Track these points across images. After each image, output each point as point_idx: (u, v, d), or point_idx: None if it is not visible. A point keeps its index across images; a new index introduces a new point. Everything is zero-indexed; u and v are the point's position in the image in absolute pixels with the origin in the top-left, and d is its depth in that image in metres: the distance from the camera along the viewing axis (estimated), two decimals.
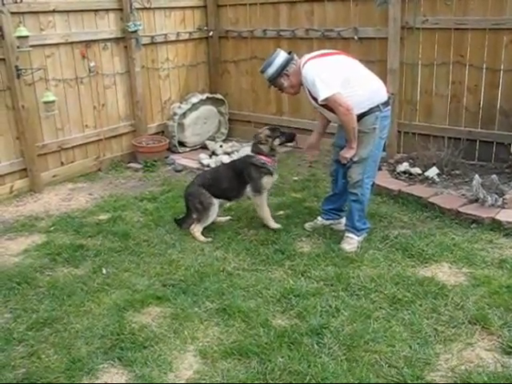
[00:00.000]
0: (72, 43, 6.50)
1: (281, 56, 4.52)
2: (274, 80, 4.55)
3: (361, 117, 4.36)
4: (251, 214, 5.42)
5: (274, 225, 5.03)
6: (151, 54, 7.46)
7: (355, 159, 4.47)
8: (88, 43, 6.65)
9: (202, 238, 4.93)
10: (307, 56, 4.51)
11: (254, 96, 8.06)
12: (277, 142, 4.95)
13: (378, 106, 4.41)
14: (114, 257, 4.67)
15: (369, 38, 6.66)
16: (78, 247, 4.84)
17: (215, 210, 5.02)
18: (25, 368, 3.32)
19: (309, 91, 4.43)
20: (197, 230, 4.97)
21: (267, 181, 4.96)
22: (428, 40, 6.34)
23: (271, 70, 4.51)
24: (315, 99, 4.38)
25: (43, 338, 3.60)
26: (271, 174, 4.97)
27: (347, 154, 4.46)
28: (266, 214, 5.05)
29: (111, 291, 4.12)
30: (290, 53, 4.58)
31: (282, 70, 4.48)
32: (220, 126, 8.18)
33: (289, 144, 5.37)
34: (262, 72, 4.60)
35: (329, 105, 4.33)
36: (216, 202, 5.00)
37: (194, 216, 5.04)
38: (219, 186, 5.03)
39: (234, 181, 5.03)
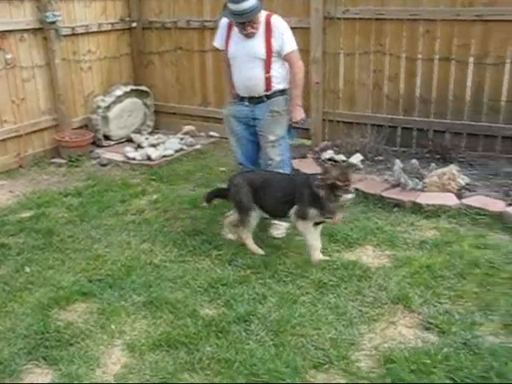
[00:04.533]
0: None
1: None
2: (253, 11, 4.29)
3: (278, 94, 4.62)
4: (177, 206, 5.40)
5: (317, 256, 4.22)
6: (72, 46, 7.24)
7: (273, 139, 4.61)
8: (3, 34, 6.36)
9: (254, 247, 4.42)
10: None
11: (179, 87, 7.98)
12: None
13: (286, 90, 4.68)
14: (37, 254, 4.53)
15: (291, 28, 6.69)
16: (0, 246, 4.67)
17: (255, 218, 4.41)
18: None
19: (267, 38, 4.46)
20: (245, 236, 4.45)
21: (317, 213, 4.19)
22: (349, 30, 6.47)
23: (254, 1, 4.28)
24: (269, 47, 4.47)
25: None
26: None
27: (301, 114, 4.65)
28: (312, 241, 4.23)
29: (35, 289, 4.01)
30: None
31: (261, 5, 4.39)
32: (145, 119, 8.04)
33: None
34: (238, 2, 4.25)
35: (287, 57, 4.53)
36: (257, 211, 4.39)
37: (236, 214, 4.49)
38: (265, 193, 4.36)
39: (281, 196, 4.31)
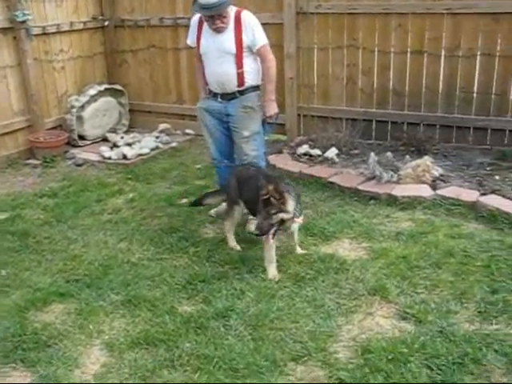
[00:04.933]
0: None
1: None
2: (222, 5, 4.30)
3: (251, 90, 4.64)
4: (154, 204, 5.39)
5: (271, 273, 3.99)
6: (44, 46, 7.15)
7: (247, 134, 4.63)
8: None
9: (232, 244, 4.44)
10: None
11: (153, 86, 7.94)
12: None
13: (259, 86, 4.71)
14: (13, 257, 4.49)
15: (264, 23, 6.69)
16: None
17: (239, 212, 4.42)
18: None
19: (237, 33, 4.48)
20: (227, 229, 4.48)
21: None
22: (322, 25, 6.49)
23: None
24: (239, 42, 4.48)
25: None
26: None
27: (275, 109, 4.68)
28: (270, 256, 4.01)
29: (11, 292, 3.98)
30: None
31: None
32: (121, 118, 7.98)
33: None
34: None
35: (259, 52, 4.56)
36: (241, 204, 4.38)
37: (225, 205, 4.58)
38: (245, 189, 4.32)
39: (254, 196, 4.05)
